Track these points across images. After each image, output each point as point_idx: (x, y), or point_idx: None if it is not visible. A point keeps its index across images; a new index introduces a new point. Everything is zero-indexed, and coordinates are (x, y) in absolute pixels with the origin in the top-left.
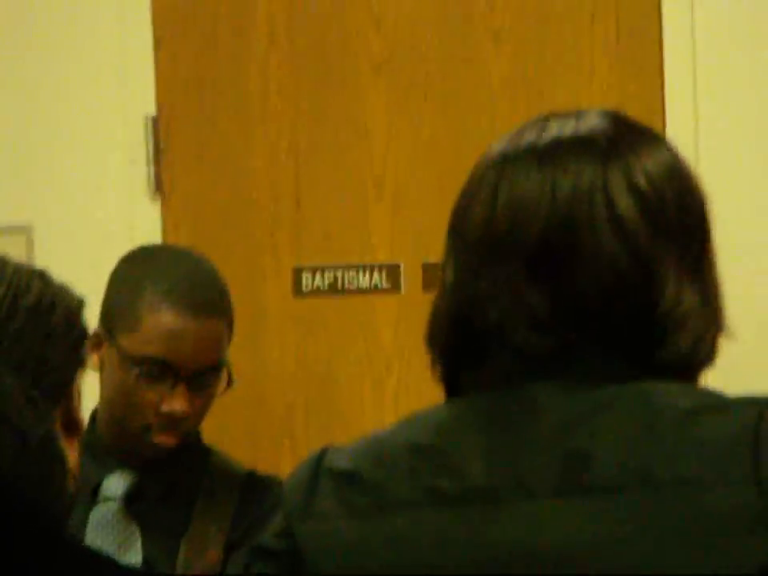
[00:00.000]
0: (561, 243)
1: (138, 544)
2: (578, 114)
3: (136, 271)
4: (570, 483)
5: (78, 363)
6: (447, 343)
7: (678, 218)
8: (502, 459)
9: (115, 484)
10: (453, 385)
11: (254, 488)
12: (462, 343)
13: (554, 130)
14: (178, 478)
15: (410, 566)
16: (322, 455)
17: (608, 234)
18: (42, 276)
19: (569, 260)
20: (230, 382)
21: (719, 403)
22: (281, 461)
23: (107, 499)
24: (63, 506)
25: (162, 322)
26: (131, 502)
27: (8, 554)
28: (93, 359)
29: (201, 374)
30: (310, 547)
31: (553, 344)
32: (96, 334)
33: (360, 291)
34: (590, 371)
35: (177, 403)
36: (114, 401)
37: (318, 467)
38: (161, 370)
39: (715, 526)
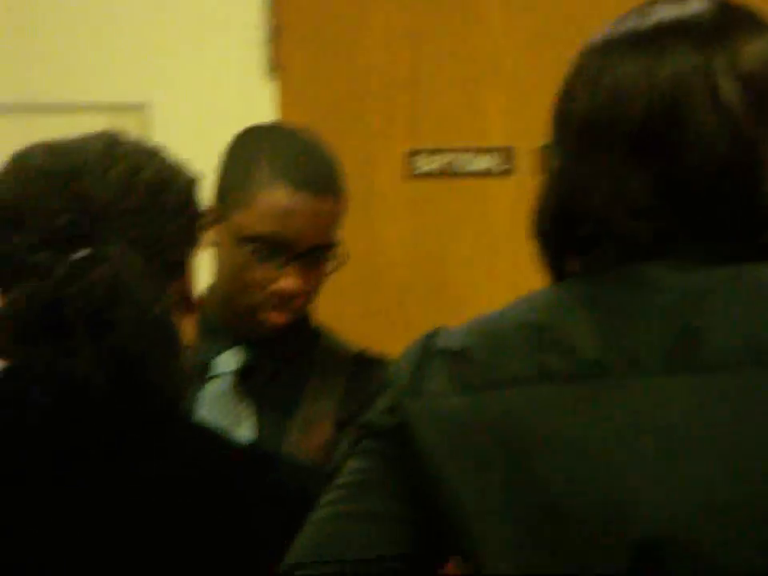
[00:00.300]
0: (662, 127)
1: (250, 420)
2: (684, 0)
3: (250, 148)
4: (681, 360)
5: (193, 240)
6: (552, 231)
7: None
8: (614, 336)
9: (228, 360)
10: (559, 272)
11: (365, 367)
12: (566, 231)
13: (657, 15)
14: (290, 356)
15: (519, 440)
16: (433, 335)
17: (710, 117)
18: (159, 153)
19: (670, 144)
20: (341, 261)
21: None
22: (393, 342)
23: (220, 376)
24: (179, 382)
25: (275, 198)
26: (244, 378)
27: (124, 429)
28: (206, 237)
29: (313, 252)
30: (419, 424)
31: (655, 230)
32: (210, 212)
33: (474, 174)
34: (695, 255)
35: (289, 281)
36: (227, 279)
37: (429, 347)
38: (273, 247)
39: None
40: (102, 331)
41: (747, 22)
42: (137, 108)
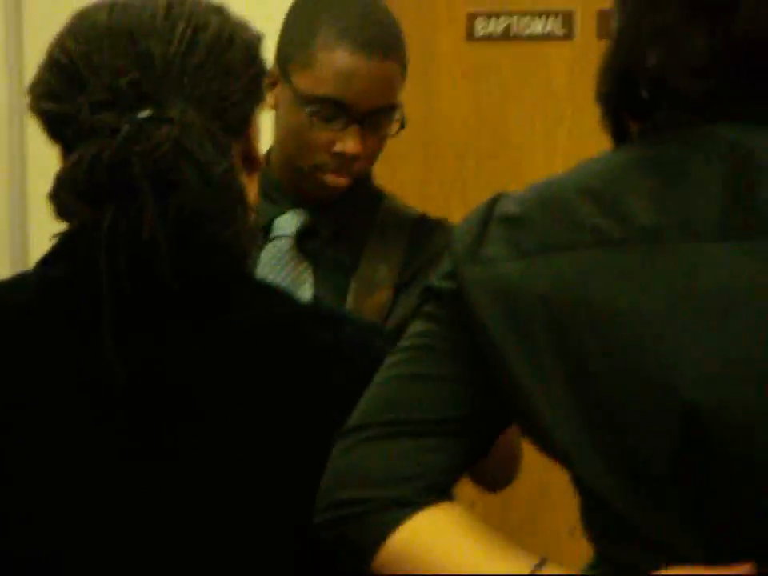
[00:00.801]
0: None
1: (310, 281)
2: None
3: (312, 10)
4: (735, 226)
5: (257, 99)
6: (613, 93)
7: None
8: (669, 201)
9: (288, 222)
10: (621, 135)
11: (425, 231)
12: (627, 92)
13: None
14: (350, 218)
15: (572, 303)
16: (494, 201)
17: None
18: (221, 11)
19: (726, 5)
20: (402, 125)
21: None
22: (451, 206)
23: (280, 237)
24: (244, 242)
25: (336, 60)
26: (303, 239)
27: (190, 288)
28: (268, 98)
29: (373, 115)
30: (475, 290)
31: (711, 89)
32: (271, 73)
33: (533, 38)
34: (753, 116)
35: (349, 143)
36: (288, 140)
37: (489, 213)
38: (334, 109)
39: None
40: (167, 191)
41: None
42: None
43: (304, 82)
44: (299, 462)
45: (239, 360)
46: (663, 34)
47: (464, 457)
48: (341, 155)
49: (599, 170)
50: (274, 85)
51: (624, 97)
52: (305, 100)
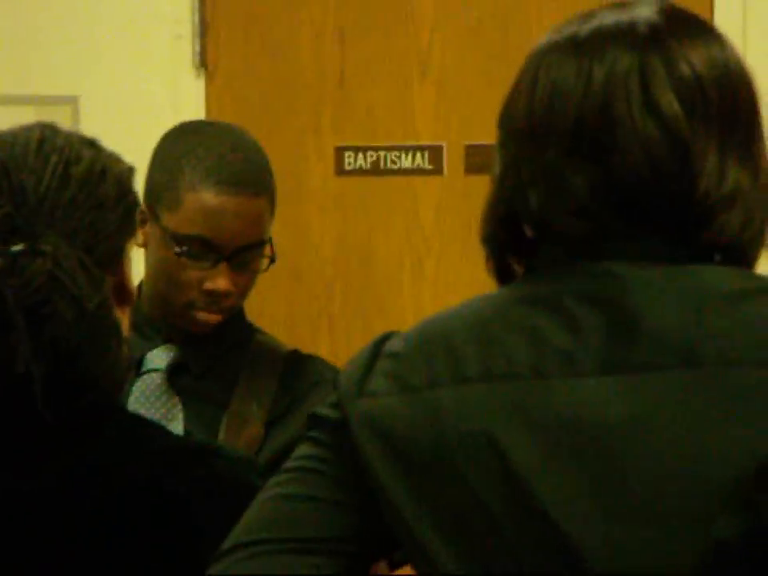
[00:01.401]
0: (596, 128)
1: (180, 416)
2: (626, 5)
3: (177, 149)
4: (616, 361)
5: (130, 232)
6: (497, 235)
7: (720, 104)
8: (550, 337)
9: (159, 357)
10: (505, 276)
11: (296, 366)
12: (510, 233)
13: (597, 20)
14: (222, 354)
15: (456, 437)
16: (384, 339)
17: (643, 117)
18: (93, 144)
19: (604, 145)
20: (272, 259)
21: None
22: (318, 339)
23: (151, 371)
24: (118, 374)
25: (202, 200)
26: (174, 374)
27: (63, 421)
28: (138, 236)
29: (243, 252)
30: (357, 423)
31: (592, 229)
32: (141, 211)
33: (402, 172)
34: (633, 255)
35: (219, 281)
36: (158, 278)
37: (378, 349)
38: (203, 248)
39: (759, 404)
40: (41, 324)
41: (688, 27)
42: (66, 101)
43: (172, 222)
44: None
45: (109, 498)
46: (543, 175)
47: None
48: (211, 293)
49: (483, 306)
50: (143, 222)
51: (508, 237)
52: (173, 239)
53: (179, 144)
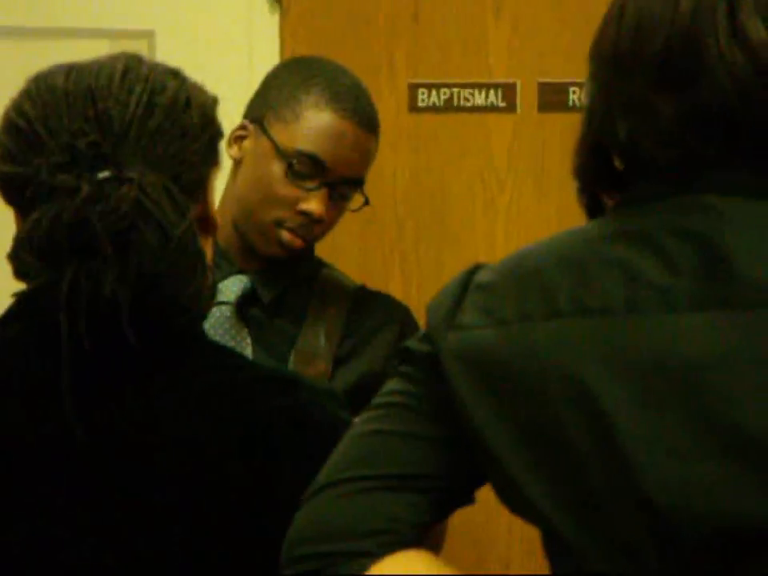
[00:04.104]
0: (683, 55)
1: (249, 349)
2: None
3: (301, 72)
4: (711, 297)
5: (213, 161)
6: (588, 166)
7: None
8: (645, 271)
9: (230, 288)
10: (595, 210)
11: (364, 303)
12: (600, 165)
13: None
14: (291, 286)
15: (547, 372)
16: (473, 271)
17: (729, 44)
18: (177, 75)
19: (692, 71)
20: (366, 201)
21: None
22: (390, 276)
23: (222, 303)
24: (203, 303)
25: (325, 120)
26: (244, 306)
27: (149, 348)
28: (233, 150)
29: (345, 184)
30: (449, 356)
31: (682, 157)
32: (243, 126)
33: (475, 109)
34: (723, 187)
35: (316, 204)
36: (253, 193)
37: (467, 281)
38: (311, 168)
39: None
40: (127, 250)
41: None
42: (141, 35)
43: (288, 136)
44: (257, 523)
45: (198, 422)
46: (632, 105)
47: (432, 514)
48: (304, 214)
49: (574, 241)
50: (241, 139)
51: (598, 169)
52: (284, 153)
53: (302, 69)
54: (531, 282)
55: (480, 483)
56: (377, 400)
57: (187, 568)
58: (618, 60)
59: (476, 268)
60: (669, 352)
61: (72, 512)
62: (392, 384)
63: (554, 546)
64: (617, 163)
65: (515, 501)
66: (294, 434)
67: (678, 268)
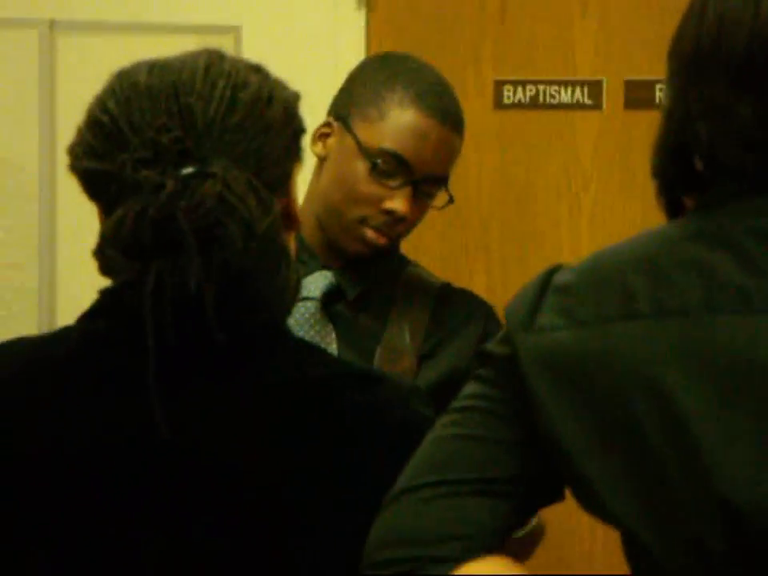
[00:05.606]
0: (764, 58)
1: (334, 345)
2: None
3: (387, 69)
4: None
5: (296, 157)
6: (666, 169)
7: None
8: (723, 273)
9: (315, 283)
10: (675, 211)
11: (448, 300)
12: (680, 166)
13: None
14: (376, 282)
15: (625, 373)
16: (551, 271)
17: None
18: (259, 70)
19: None
20: (451, 199)
21: None
22: (475, 273)
23: (306, 298)
24: (287, 298)
25: (410, 118)
26: (329, 302)
27: (234, 343)
28: (318, 147)
29: (429, 182)
30: (527, 357)
31: (763, 161)
32: (327, 124)
33: (561, 106)
34: None
35: (400, 203)
36: (338, 189)
37: (546, 283)
38: (395, 166)
39: None
40: (211, 246)
41: None
42: (227, 31)
43: (371, 135)
44: (338, 523)
45: (280, 419)
46: (711, 107)
47: (512, 518)
48: (388, 213)
49: (653, 242)
50: (325, 136)
51: (678, 171)
52: (368, 152)
53: (387, 66)
54: (610, 284)
55: (560, 486)
56: (455, 404)
57: (276, 563)
58: (698, 60)
59: (554, 269)
60: (746, 353)
61: (152, 509)
62: (471, 387)
63: (632, 546)
64: (697, 165)
65: (592, 502)
66: (374, 431)
67: (756, 268)
